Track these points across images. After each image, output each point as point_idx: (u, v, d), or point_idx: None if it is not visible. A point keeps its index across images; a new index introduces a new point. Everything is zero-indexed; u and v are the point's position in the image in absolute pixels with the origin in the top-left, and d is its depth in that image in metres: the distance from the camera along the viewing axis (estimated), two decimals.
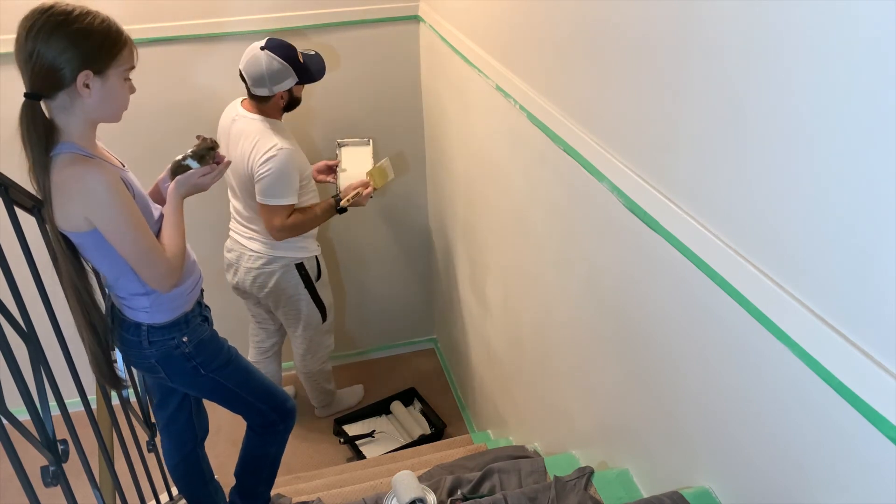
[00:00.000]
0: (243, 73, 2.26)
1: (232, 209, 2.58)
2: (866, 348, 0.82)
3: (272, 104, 2.33)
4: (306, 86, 2.43)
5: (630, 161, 1.27)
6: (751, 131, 0.94)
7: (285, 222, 2.36)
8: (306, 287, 2.61)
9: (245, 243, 2.53)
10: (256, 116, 2.32)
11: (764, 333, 0.98)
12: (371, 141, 2.72)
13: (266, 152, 2.25)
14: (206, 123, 2.63)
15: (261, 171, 2.26)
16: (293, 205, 2.36)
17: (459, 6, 2.17)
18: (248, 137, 2.30)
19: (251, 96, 2.32)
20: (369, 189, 2.50)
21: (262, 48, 2.23)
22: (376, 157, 2.76)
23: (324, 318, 2.75)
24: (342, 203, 2.46)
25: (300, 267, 2.56)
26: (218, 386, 1.71)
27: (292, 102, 2.39)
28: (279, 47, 2.24)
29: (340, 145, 2.75)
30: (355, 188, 2.48)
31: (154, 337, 1.58)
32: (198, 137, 1.62)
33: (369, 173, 2.53)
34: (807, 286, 0.90)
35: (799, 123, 0.86)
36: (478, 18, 2.02)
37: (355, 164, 2.70)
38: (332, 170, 2.70)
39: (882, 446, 0.81)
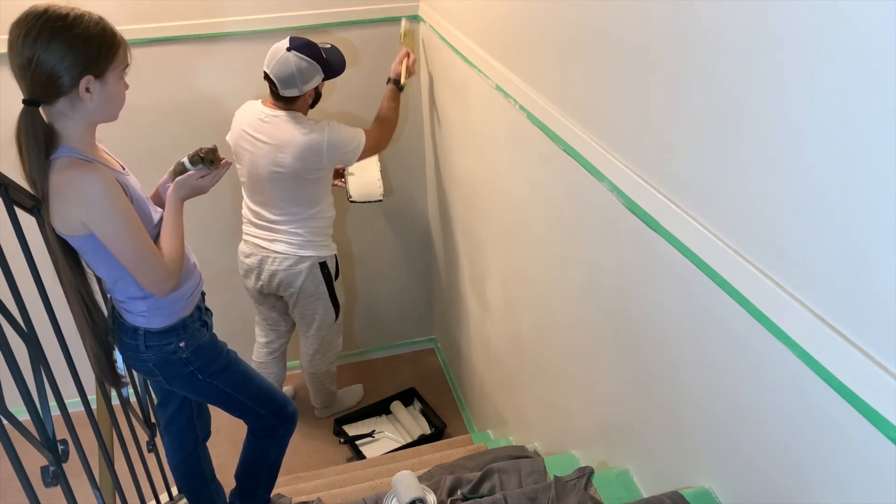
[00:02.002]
0: (272, 75, 2.28)
1: (249, 213, 2.57)
2: (866, 348, 0.82)
3: (301, 103, 2.37)
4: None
5: (630, 161, 1.27)
6: (750, 131, 0.94)
7: (369, 135, 2.45)
8: (326, 286, 2.64)
9: (268, 246, 2.54)
10: (286, 113, 2.35)
11: (764, 333, 0.98)
12: None
13: (320, 132, 2.34)
14: (208, 124, 2.64)
15: (333, 142, 2.34)
16: (364, 136, 2.43)
17: (459, 6, 2.17)
18: (290, 133, 2.32)
19: (278, 98, 2.34)
20: (412, 58, 2.59)
21: (288, 49, 2.25)
22: (381, 158, 2.77)
23: (336, 315, 2.78)
24: (402, 82, 2.55)
25: (323, 266, 2.60)
26: (216, 390, 1.71)
27: (317, 99, 2.43)
28: (304, 46, 2.27)
29: None
30: (400, 62, 2.56)
31: (151, 342, 1.57)
32: (212, 146, 1.61)
33: (403, 44, 2.62)
34: (807, 286, 0.90)
35: (799, 123, 0.86)
36: (478, 18, 2.02)
37: (362, 166, 2.72)
38: (339, 174, 2.72)
39: (882, 446, 0.81)
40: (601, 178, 1.36)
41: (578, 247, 1.59)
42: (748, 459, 1.12)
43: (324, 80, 2.35)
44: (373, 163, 2.75)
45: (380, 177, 2.73)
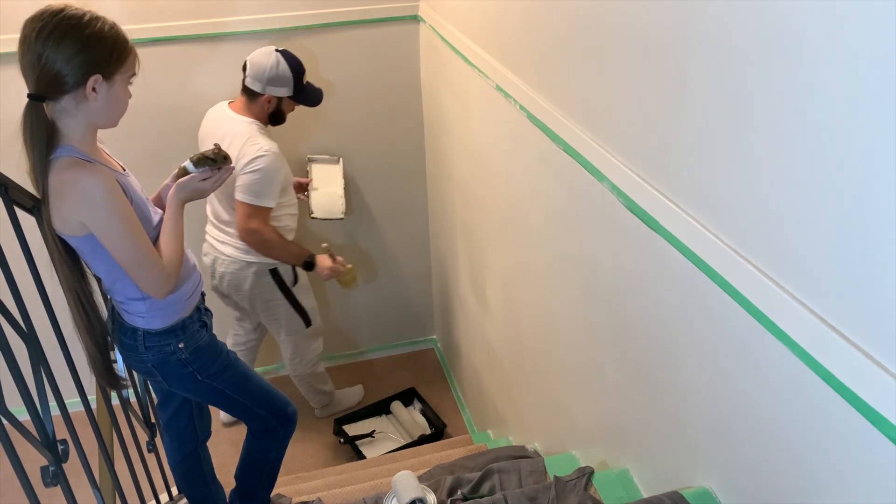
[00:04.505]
0: (248, 61, 2.28)
1: (209, 212, 2.56)
2: (866, 348, 0.82)
3: (259, 105, 2.32)
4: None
5: (630, 161, 1.27)
6: (751, 131, 0.94)
7: (263, 228, 2.33)
8: (283, 293, 2.58)
9: (219, 247, 2.51)
10: (246, 118, 2.32)
11: (764, 333, 0.98)
12: (340, 159, 2.74)
13: (256, 152, 2.25)
14: None
15: (248, 169, 2.25)
16: (271, 209, 2.34)
17: (459, 6, 2.17)
18: (237, 136, 2.28)
19: (243, 91, 2.33)
20: (333, 275, 2.54)
21: (278, 50, 2.27)
22: (346, 174, 2.77)
23: (307, 323, 2.72)
24: (316, 261, 2.48)
25: (274, 272, 2.53)
26: (216, 391, 1.71)
27: (277, 115, 2.37)
28: (293, 58, 2.29)
29: (311, 161, 2.77)
30: (332, 267, 2.52)
31: (150, 342, 1.57)
32: (215, 146, 1.62)
33: (349, 272, 2.58)
34: (807, 286, 0.90)
35: (799, 123, 0.86)
36: (478, 18, 2.02)
37: (326, 182, 2.70)
38: (303, 188, 2.69)
39: (882, 446, 0.81)
40: (601, 178, 1.36)
41: (578, 247, 1.59)
42: (748, 459, 1.12)
43: (292, 99, 2.33)
44: (337, 179, 2.75)
45: (343, 194, 2.72)
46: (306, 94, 2.35)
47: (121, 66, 1.36)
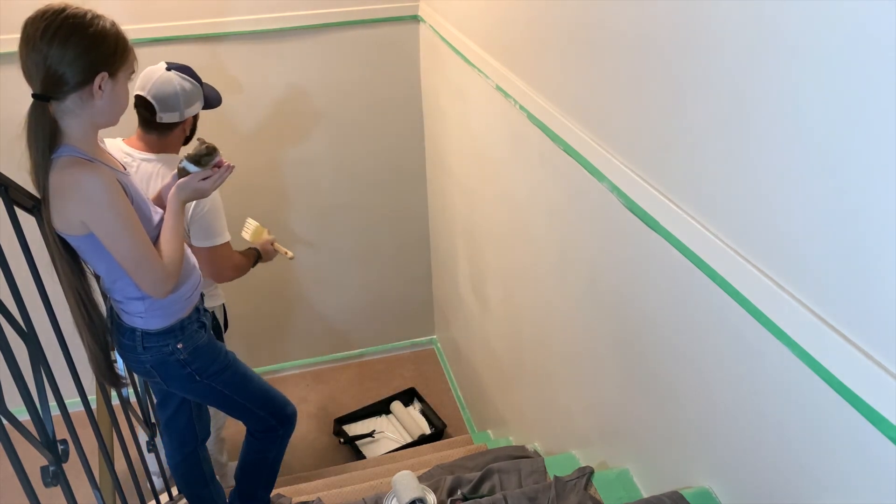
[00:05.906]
0: (150, 96, 1.87)
1: None
2: (866, 348, 0.82)
3: (174, 135, 1.97)
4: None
5: (630, 161, 1.27)
6: (751, 131, 0.94)
7: (234, 256, 2.08)
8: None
9: None
10: (160, 156, 1.94)
11: (764, 333, 0.98)
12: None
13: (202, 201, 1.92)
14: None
15: (195, 211, 1.93)
16: (229, 241, 2.06)
17: (459, 6, 2.17)
18: (163, 179, 1.90)
19: (151, 128, 1.92)
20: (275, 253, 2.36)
21: (168, 69, 1.92)
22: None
23: None
24: (260, 251, 2.28)
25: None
26: (215, 392, 1.71)
27: (190, 135, 2.06)
28: (185, 68, 1.97)
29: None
30: (275, 248, 2.34)
31: (148, 343, 1.57)
32: (198, 139, 1.62)
33: (260, 231, 2.36)
34: (807, 286, 0.90)
35: (799, 123, 0.86)
36: (478, 18, 2.02)
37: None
38: None
39: (882, 446, 0.81)
40: (601, 178, 1.36)
41: (578, 247, 1.59)
42: (748, 459, 1.12)
43: (203, 108, 2.03)
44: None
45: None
46: (210, 98, 2.06)
47: (124, 63, 1.37)
